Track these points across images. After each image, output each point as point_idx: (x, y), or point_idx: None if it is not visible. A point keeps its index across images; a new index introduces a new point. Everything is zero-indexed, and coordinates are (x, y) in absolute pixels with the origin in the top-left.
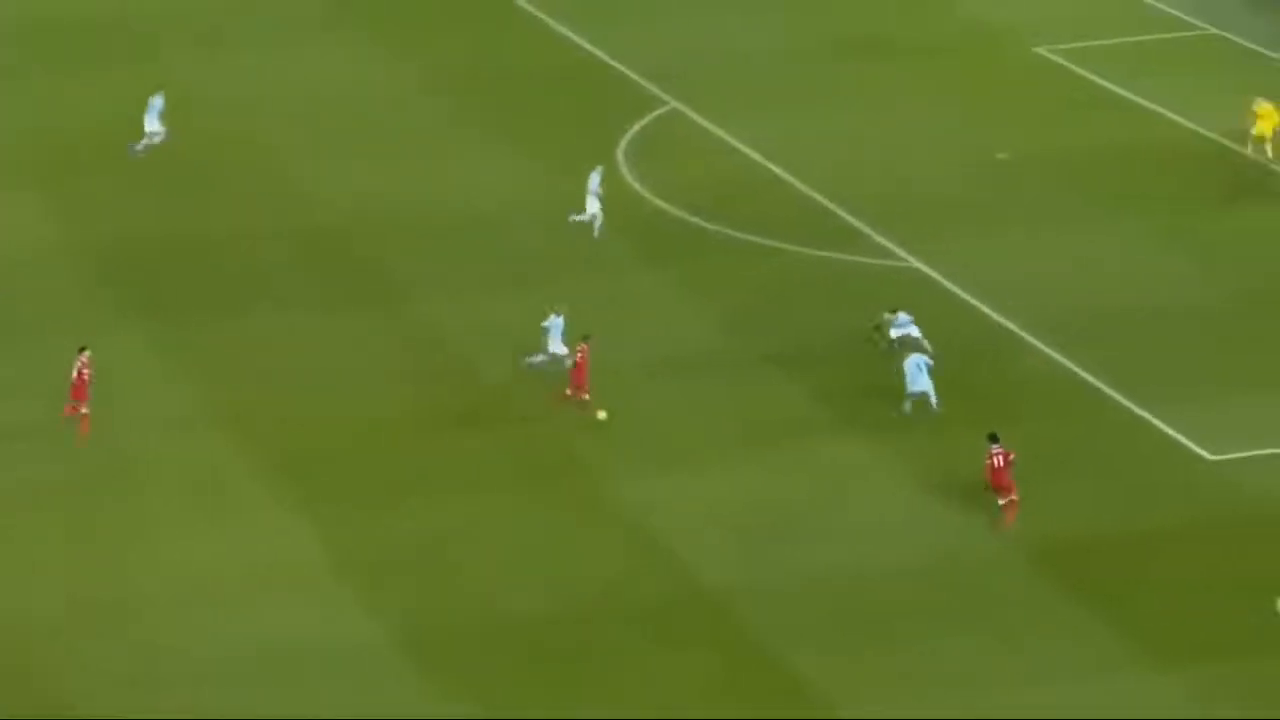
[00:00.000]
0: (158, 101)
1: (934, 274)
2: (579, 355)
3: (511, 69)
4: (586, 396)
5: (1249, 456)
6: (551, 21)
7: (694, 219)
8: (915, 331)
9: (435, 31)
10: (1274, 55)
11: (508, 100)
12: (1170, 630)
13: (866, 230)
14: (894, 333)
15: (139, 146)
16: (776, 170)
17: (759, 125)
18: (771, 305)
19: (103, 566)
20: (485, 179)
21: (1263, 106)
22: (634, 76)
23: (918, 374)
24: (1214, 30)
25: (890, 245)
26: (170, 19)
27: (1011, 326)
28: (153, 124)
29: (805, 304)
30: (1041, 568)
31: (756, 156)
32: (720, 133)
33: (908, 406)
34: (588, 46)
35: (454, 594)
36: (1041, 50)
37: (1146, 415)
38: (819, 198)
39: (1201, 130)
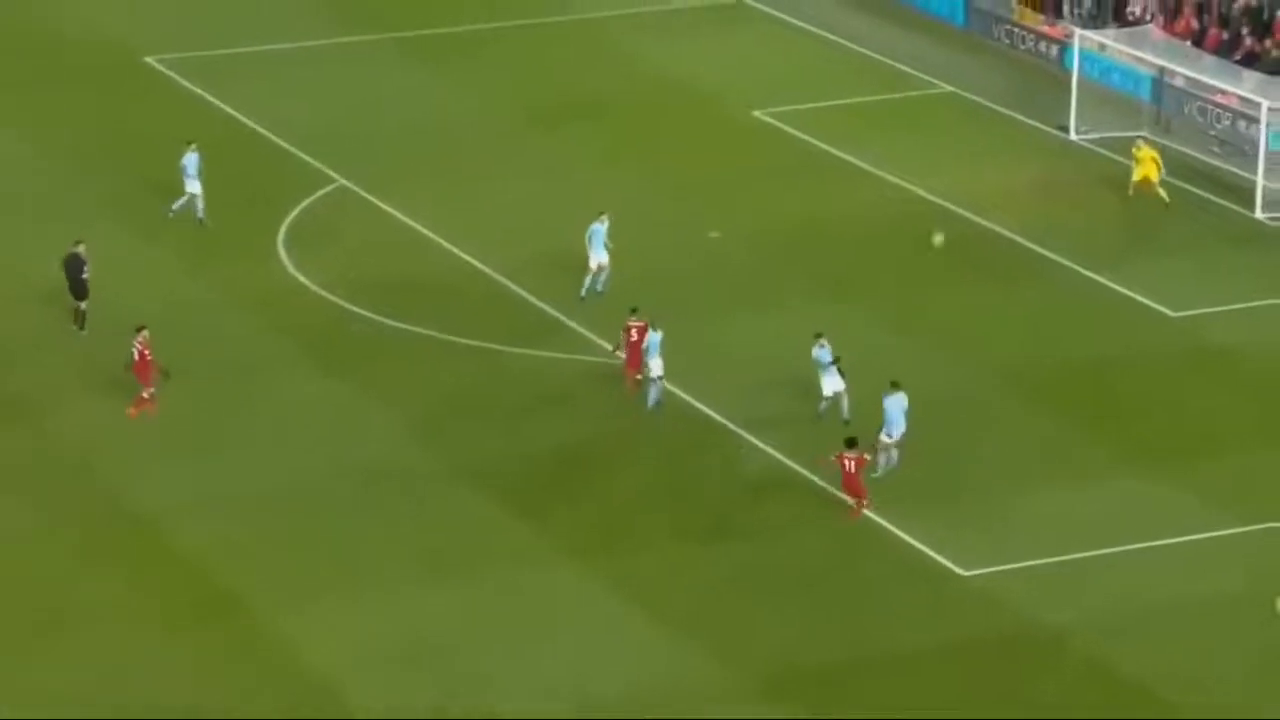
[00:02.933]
0: (192, 159)
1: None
2: (630, 337)
3: (153, 144)
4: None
5: (1002, 570)
6: (200, 91)
7: (368, 313)
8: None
9: (63, 102)
10: (1006, 111)
11: (150, 180)
12: None
13: (568, 322)
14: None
15: (183, 207)
16: (463, 256)
17: (441, 205)
18: (461, 412)
19: None
20: (125, 272)
21: (1142, 150)
22: (295, 151)
23: (898, 416)
24: (946, 87)
25: (595, 338)
26: None
27: (739, 430)
28: (192, 184)
29: (500, 409)
30: (778, 698)
31: (440, 240)
32: (397, 214)
33: (885, 460)
34: (241, 118)
35: None
36: (760, 114)
37: (890, 527)
38: (513, 286)
39: (930, 197)
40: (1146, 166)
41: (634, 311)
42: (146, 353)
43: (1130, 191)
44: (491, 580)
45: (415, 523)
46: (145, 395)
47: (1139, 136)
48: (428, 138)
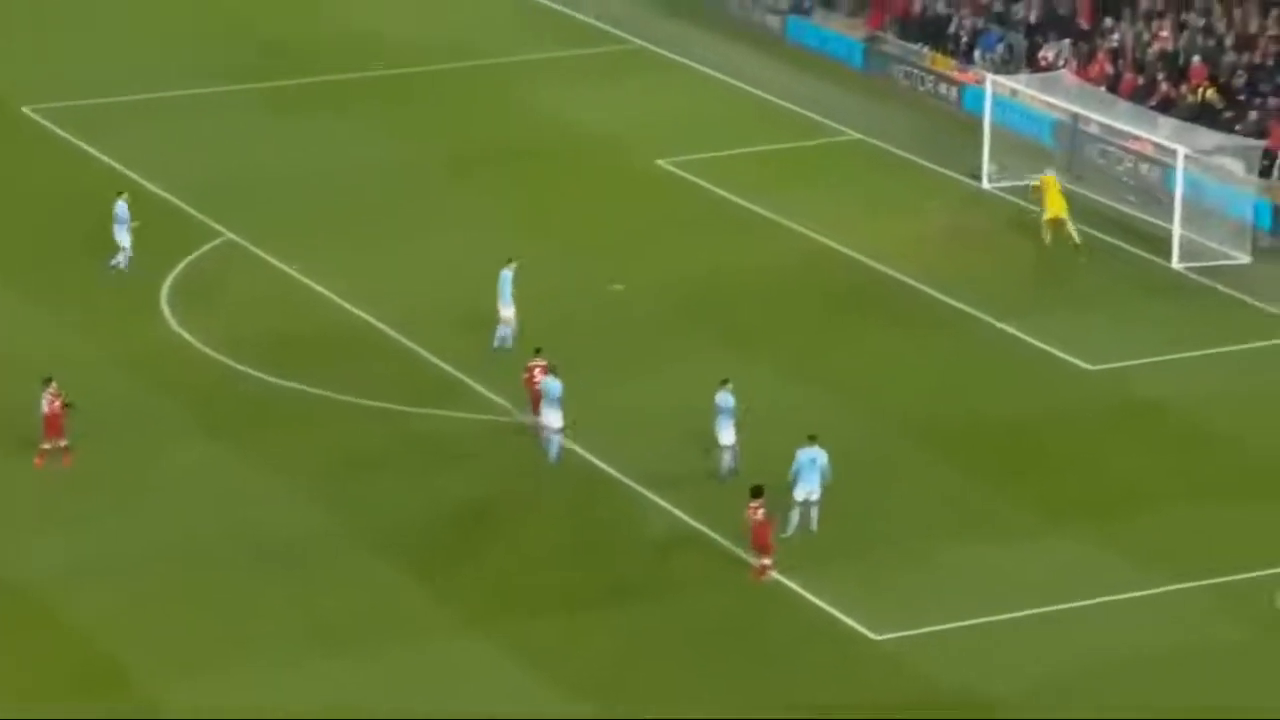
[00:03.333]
0: (123, 208)
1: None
2: (534, 378)
3: (25, 195)
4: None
5: (915, 634)
6: (80, 142)
7: (258, 373)
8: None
9: None
10: (915, 158)
11: (30, 232)
12: None
13: (467, 380)
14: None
15: (118, 261)
16: (357, 312)
17: (336, 259)
18: (356, 475)
19: None
20: (2, 329)
21: (1045, 178)
22: (180, 203)
23: (809, 473)
24: (853, 134)
25: (497, 398)
26: None
27: (640, 487)
28: (123, 237)
29: (397, 472)
30: None
31: (333, 296)
32: (288, 269)
33: (794, 519)
34: (123, 169)
35: None
36: (664, 163)
37: (798, 589)
38: (410, 344)
39: (841, 248)
40: (1054, 202)
41: (538, 352)
42: (58, 403)
43: (1046, 236)
44: (389, 648)
45: (309, 590)
46: (62, 446)
47: (1042, 175)
48: (320, 189)
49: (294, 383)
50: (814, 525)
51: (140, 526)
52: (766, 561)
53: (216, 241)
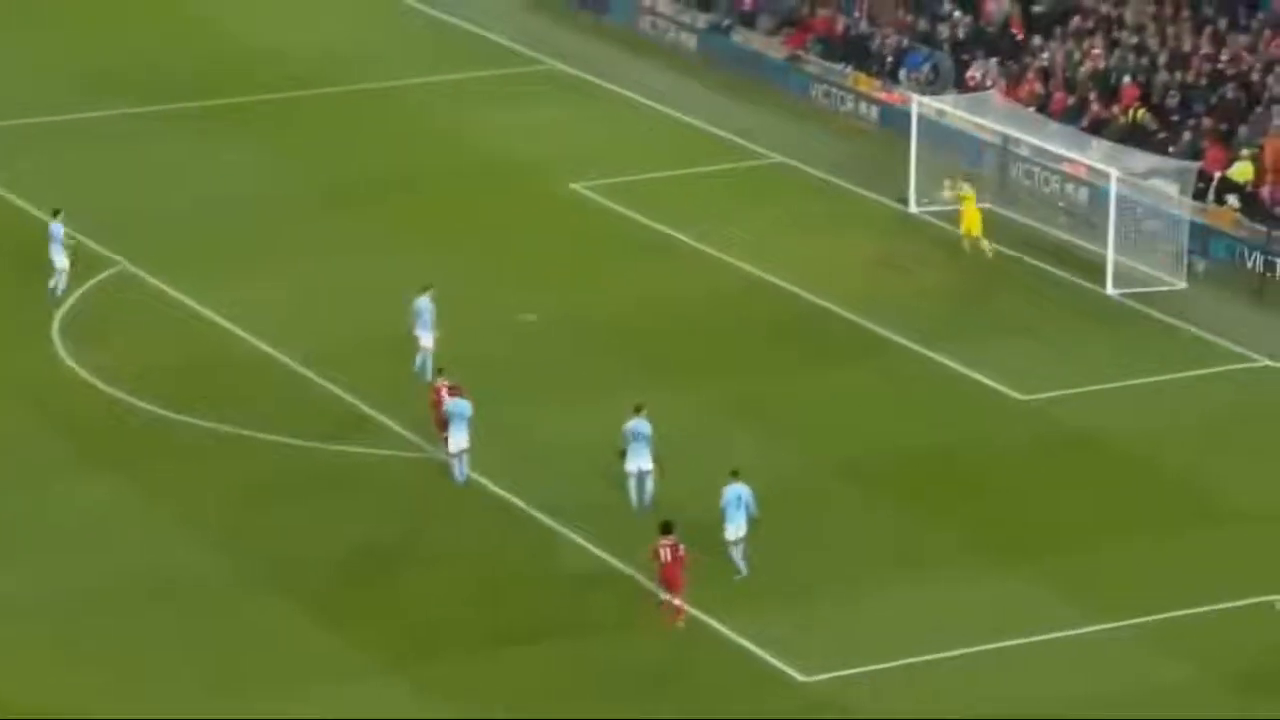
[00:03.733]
0: (57, 229)
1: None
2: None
3: None
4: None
5: (845, 675)
6: None
7: (156, 408)
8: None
9: None
10: (842, 184)
11: None
12: None
13: (374, 414)
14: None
15: (56, 284)
16: (259, 344)
17: (237, 288)
18: (260, 513)
19: None
20: None
21: (962, 190)
22: (73, 231)
23: (735, 511)
24: (775, 157)
25: (404, 432)
26: None
27: (549, 521)
28: (59, 258)
29: (302, 510)
30: None
31: (234, 327)
32: (185, 299)
33: (736, 557)
34: (11, 197)
35: None
36: (579, 187)
37: (722, 629)
38: (313, 377)
39: (767, 276)
40: (971, 214)
41: (440, 372)
42: None
43: (967, 247)
44: (295, 693)
45: (208, 634)
46: None
47: (960, 181)
48: (220, 215)
49: (190, 416)
50: (740, 565)
51: (25, 568)
52: (677, 601)
53: (111, 271)
